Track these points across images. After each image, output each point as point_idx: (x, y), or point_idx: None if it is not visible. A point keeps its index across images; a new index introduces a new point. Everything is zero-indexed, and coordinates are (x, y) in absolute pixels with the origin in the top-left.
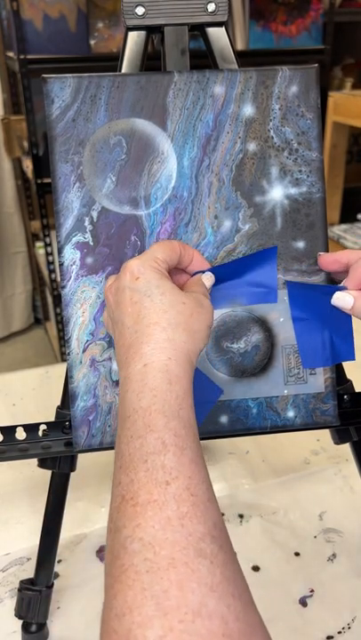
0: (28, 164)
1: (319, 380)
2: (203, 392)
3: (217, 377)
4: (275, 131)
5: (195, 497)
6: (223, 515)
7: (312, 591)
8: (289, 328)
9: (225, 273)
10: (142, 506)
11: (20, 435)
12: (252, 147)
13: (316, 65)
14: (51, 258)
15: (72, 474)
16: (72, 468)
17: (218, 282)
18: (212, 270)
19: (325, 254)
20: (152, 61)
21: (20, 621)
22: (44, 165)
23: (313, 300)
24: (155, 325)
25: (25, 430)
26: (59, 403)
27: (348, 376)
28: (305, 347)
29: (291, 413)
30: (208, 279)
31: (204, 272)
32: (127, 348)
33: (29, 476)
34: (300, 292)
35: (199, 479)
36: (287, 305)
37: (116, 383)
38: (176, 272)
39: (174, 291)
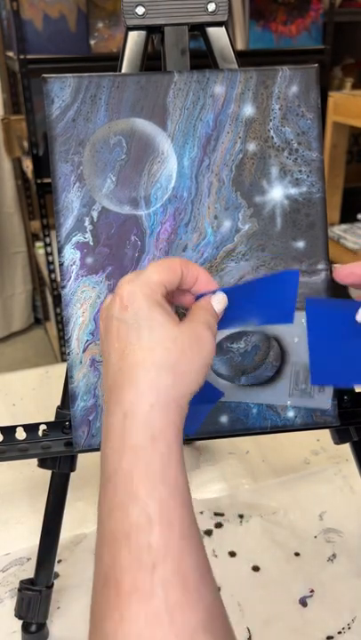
0: (28, 164)
1: (326, 396)
2: (203, 393)
3: (218, 380)
4: (275, 131)
5: (185, 580)
6: (223, 515)
7: (312, 591)
8: (303, 348)
9: (236, 295)
10: (127, 595)
11: (20, 435)
12: (252, 147)
13: (317, 65)
14: (51, 258)
15: (72, 474)
16: (72, 467)
17: (228, 303)
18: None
19: (340, 266)
20: (152, 61)
21: (20, 621)
22: (43, 165)
23: (333, 317)
24: (138, 366)
25: (25, 430)
26: (59, 403)
27: None
28: (317, 363)
29: (291, 413)
30: (219, 302)
31: (214, 292)
32: (110, 390)
33: (29, 476)
34: (319, 311)
35: (190, 556)
36: (303, 326)
37: None
38: (180, 291)
39: (166, 324)
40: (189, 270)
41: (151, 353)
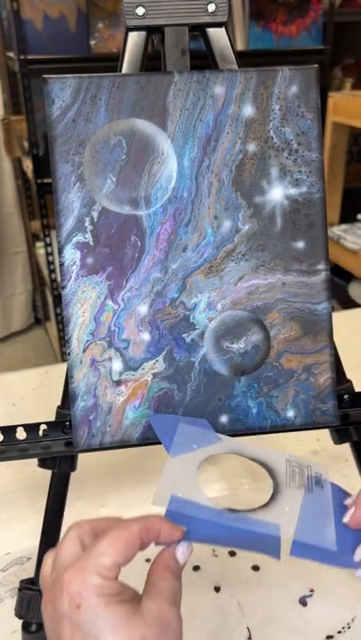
0: (27, 164)
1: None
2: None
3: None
4: (275, 131)
5: None
6: None
7: (312, 591)
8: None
9: (210, 533)
10: None
11: (21, 435)
12: (252, 147)
13: (317, 65)
14: (51, 258)
15: (72, 474)
16: (72, 467)
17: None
18: (192, 534)
19: (352, 515)
20: (152, 62)
21: (20, 621)
22: (43, 165)
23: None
24: None
25: (25, 430)
26: (59, 403)
27: (348, 376)
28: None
29: (291, 413)
30: (184, 553)
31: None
32: None
33: (29, 476)
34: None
35: None
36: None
37: (117, 383)
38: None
39: (129, 620)
40: (150, 534)
41: None
